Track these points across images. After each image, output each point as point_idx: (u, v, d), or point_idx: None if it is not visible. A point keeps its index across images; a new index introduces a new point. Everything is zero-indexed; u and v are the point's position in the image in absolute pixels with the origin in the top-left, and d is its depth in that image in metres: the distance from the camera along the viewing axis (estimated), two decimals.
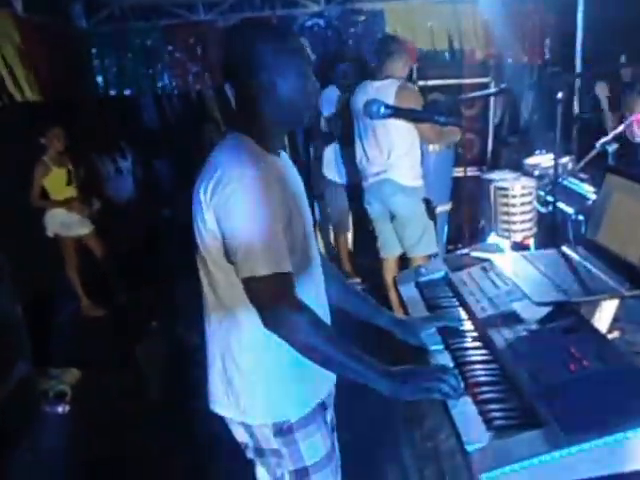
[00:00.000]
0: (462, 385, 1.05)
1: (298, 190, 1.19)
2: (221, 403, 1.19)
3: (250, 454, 1.22)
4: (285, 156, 1.22)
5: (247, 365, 1.13)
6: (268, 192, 1.02)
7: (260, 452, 1.18)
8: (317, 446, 1.18)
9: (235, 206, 1.01)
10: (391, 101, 2.63)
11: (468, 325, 1.34)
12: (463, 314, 1.40)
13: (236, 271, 1.04)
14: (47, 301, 3.40)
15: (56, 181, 3.57)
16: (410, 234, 2.94)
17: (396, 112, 1.28)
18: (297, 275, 1.09)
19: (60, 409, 2.52)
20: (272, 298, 1.01)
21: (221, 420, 1.23)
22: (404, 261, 3.15)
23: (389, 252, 3.13)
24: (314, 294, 1.18)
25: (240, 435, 1.20)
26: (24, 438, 2.17)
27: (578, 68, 2.95)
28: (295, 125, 1.26)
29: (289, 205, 1.09)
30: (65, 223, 3.60)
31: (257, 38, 1.08)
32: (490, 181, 2.71)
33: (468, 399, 1.05)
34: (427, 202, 2.95)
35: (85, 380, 2.76)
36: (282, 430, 1.14)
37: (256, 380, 1.13)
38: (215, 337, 1.17)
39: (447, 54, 4.28)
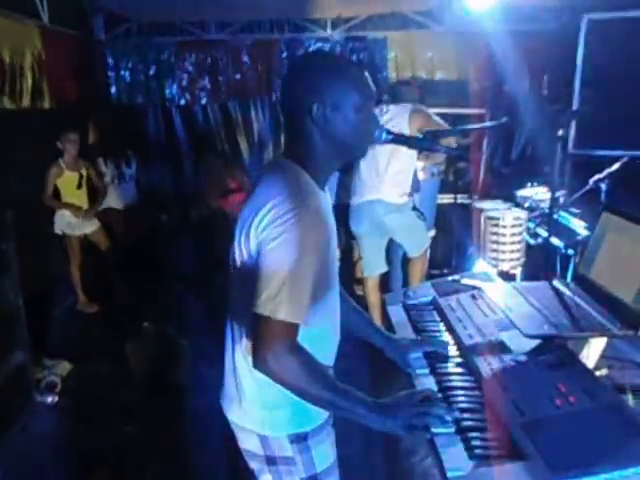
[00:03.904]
0: (455, 414, 1.03)
1: (333, 223, 1.18)
2: (236, 412, 1.18)
3: (255, 463, 1.20)
4: (327, 188, 1.19)
5: (264, 380, 1.09)
6: (313, 237, 1.02)
7: (271, 460, 1.17)
8: (327, 453, 1.19)
9: (281, 248, 0.99)
10: (405, 122, 2.84)
11: (454, 351, 1.33)
12: (449, 339, 1.39)
13: (252, 303, 1.02)
14: (44, 294, 3.49)
15: (68, 184, 3.76)
16: (411, 241, 3.13)
17: (397, 138, 1.28)
18: (317, 304, 1.09)
19: (50, 399, 2.62)
20: (276, 341, 1.00)
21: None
22: (386, 281, 3.26)
23: (373, 270, 3.18)
24: (332, 317, 1.19)
25: (250, 444, 1.18)
26: (17, 422, 2.29)
27: (575, 105, 3.04)
28: (348, 160, 1.17)
29: (326, 244, 1.08)
30: (72, 224, 3.80)
31: (317, 71, 1.06)
32: (481, 210, 2.74)
33: (451, 426, 1.03)
34: (414, 209, 3.15)
35: (75, 373, 2.89)
36: (298, 438, 1.14)
37: (274, 394, 1.11)
38: (236, 348, 1.15)
39: (445, 84, 4.38)
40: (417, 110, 2.92)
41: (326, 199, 1.14)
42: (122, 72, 4.66)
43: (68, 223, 3.77)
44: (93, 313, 3.86)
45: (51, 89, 3.67)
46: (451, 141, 2.83)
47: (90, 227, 3.86)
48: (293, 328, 1.02)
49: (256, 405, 1.14)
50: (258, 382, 1.11)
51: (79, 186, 3.79)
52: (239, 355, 1.15)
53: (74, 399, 2.65)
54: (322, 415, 1.17)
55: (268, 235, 1.00)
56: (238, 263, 1.09)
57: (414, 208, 3.14)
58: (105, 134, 4.08)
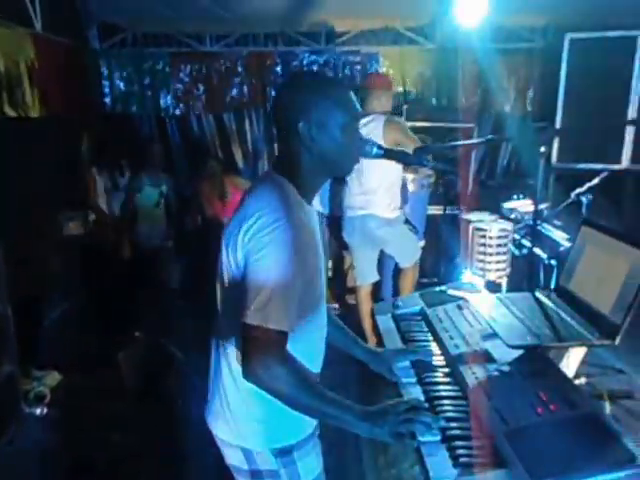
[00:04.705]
0: (440, 423, 1.06)
1: (319, 238, 1.20)
2: (220, 427, 1.19)
3: (240, 478, 1.20)
4: (314, 203, 1.22)
5: (251, 393, 1.12)
6: (300, 247, 1.04)
7: (256, 474, 1.17)
8: (313, 465, 1.20)
9: (267, 257, 1.02)
10: (379, 135, 2.76)
11: (441, 361, 1.37)
12: (436, 349, 1.43)
13: (241, 312, 1.03)
14: (34, 302, 3.45)
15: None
16: (402, 252, 3.15)
17: (387, 153, 1.33)
18: (306, 317, 1.12)
19: (38, 411, 2.57)
20: (267, 350, 1.02)
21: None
22: (378, 290, 3.30)
23: (365, 280, 3.20)
24: (317, 336, 1.21)
25: (235, 459, 1.19)
26: (4, 434, 2.25)
27: (558, 121, 3.15)
28: (335, 176, 1.21)
29: (314, 257, 1.11)
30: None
31: (302, 90, 1.10)
32: (469, 221, 2.79)
33: (437, 434, 1.06)
34: (407, 222, 3.17)
35: (65, 383, 2.85)
36: (283, 452, 1.15)
37: (259, 408, 1.13)
38: (222, 361, 1.17)
39: (434, 99, 4.47)
40: (391, 122, 2.86)
41: (312, 214, 1.17)
42: (117, 81, 4.69)
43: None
44: (84, 323, 3.77)
45: (44, 97, 3.65)
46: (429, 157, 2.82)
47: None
48: (283, 337, 1.04)
49: (241, 419, 1.15)
50: (243, 395, 1.13)
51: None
52: (225, 368, 1.15)
53: (63, 410, 2.62)
54: (307, 428, 1.19)
55: (254, 245, 1.02)
56: (225, 274, 1.11)
57: (406, 221, 3.18)
58: (99, 143, 4.06)
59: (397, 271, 3.34)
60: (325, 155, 1.11)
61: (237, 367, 1.13)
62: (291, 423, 1.15)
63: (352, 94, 1.13)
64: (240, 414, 1.15)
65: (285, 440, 1.15)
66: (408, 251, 3.18)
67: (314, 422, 1.21)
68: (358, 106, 1.14)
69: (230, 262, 1.08)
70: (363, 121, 2.89)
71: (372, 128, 2.84)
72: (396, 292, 3.37)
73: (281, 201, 1.05)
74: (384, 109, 2.96)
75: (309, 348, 1.17)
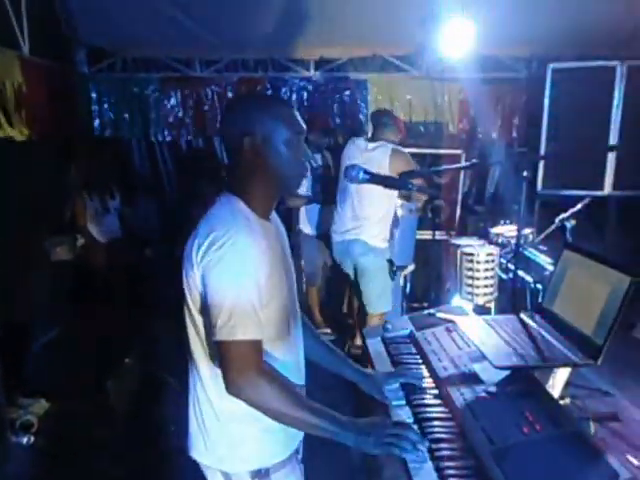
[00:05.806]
0: (425, 444, 1.07)
1: (284, 253, 1.23)
2: (199, 450, 1.19)
3: None
4: (275, 217, 1.25)
5: (226, 415, 1.13)
6: (255, 260, 1.06)
7: None
8: None
9: (222, 271, 1.04)
10: (385, 163, 2.79)
11: (430, 383, 1.38)
12: (425, 372, 1.44)
13: (210, 332, 1.06)
14: (21, 328, 3.37)
15: None
16: (371, 291, 3.02)
17: (373, 178, 1.37)
18: (279, 336, 1.13)
19: (25, 440, 2.51)
20: (243, 363, 1.03)
21: (194, 464, 1.22)
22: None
23: (376, 309, 3.03)
24: (293, 356, 1.22)
25: None
26: None
27: (542, 148, 3.25)
28: (285, 192, 1.23)
29: (274, 271, 1.12)
30: None
31: (248, 109, 1.13)
32: (457, 246, 2.84)
33: (426, 454, 1.07)
34: (390, 263, 3.05)
35: (53, 411, 2.76)
36: (260, 474, 1.15)
37: (235, 430, 1.14)
38: (197, 384, 1.17)
39: (422, 126, 4.58)
40: (397, 152, 2.90)
41: (270, 229, 1.18)
42: (106, 106, 4.68)
43: None
44: (72, 349, 3.72)
45: (32, 120, 3.60)
46: (419, 181, 2.81)
47: None
48: (255, 345, 1.05)
49: (218, 442, 1.15)
50: (219, 417, 1.14)
51: None
52: (200, 390, 1.16)
53: (51, 439, 2.55)
54: (284, 450, 1.19)
55: (208, 262, 1.05)
56: (187, 295, 1.13)
57: (389, 261, 3.04)
58: (88, 167, 4.06)
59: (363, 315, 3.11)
60: (271, 170, 1.14)
61: (211, 388, 1.14)
62: (267, 445, 1.15)
63: (295, 112, 1.17)
64: (217, 437, 1.15)
65: (261, 462, 1.15)
66: (379, 295, 3.00)
67: (291, 444, 1.21)
68: (302, 123, 1.18)
69: (189, 283, 1.10)
70: (371, 145, 2.94)
71: (379, 153, 2.87)
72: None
73: (230, 218, 1.09)
74: (393, 138, 2.99)
75: (283, 370, 1.16)
